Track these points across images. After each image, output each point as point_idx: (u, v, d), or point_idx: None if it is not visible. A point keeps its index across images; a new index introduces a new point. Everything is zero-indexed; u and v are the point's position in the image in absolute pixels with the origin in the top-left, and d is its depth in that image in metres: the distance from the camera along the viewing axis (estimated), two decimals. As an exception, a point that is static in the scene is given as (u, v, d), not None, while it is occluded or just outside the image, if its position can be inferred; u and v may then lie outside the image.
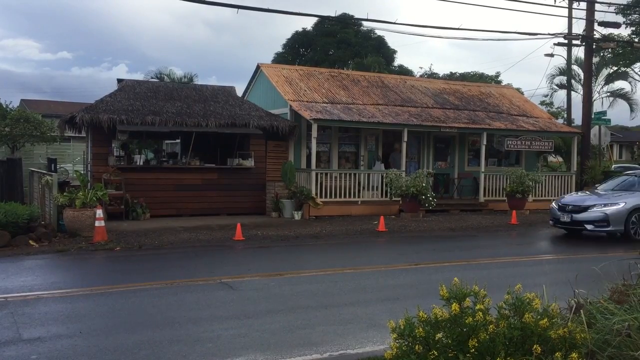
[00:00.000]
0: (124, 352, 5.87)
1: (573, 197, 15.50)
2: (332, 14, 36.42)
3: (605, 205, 14.14)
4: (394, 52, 45.11)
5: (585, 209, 14.28)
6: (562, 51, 31.63)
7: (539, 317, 3.80)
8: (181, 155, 19.98)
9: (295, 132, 18.87)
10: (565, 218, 14.48)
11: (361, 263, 11.10)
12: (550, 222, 15.36)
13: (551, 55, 31.81)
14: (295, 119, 19.14)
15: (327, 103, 19.88)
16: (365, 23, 38.04)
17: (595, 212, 14.07)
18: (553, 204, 15.48)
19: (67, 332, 6.54)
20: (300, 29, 45.26)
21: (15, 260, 11.09)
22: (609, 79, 33.56)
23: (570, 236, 15.00)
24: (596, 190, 16.07)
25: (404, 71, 42.03)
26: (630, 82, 34.70)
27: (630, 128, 59.83)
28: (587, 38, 22.90)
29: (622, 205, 14.06)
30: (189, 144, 18.06)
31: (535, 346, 3.64)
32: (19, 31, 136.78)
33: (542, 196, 21.10)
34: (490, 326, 3.75)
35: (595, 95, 31.48)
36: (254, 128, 17.88)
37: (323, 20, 39.64)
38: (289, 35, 46.53)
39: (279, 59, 43.21)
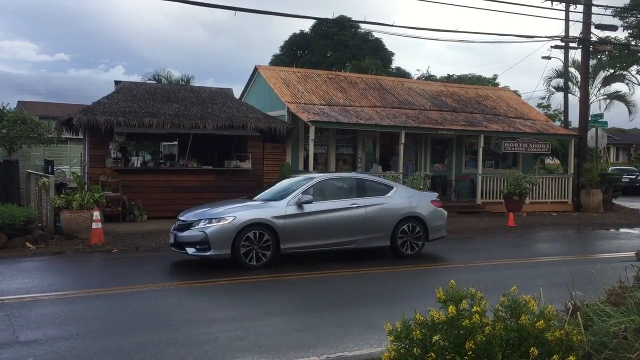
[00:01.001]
0: (121, 355, 5.87)
1: (195, 210, 11.27)
2: (330, 16, 36.53)
3: (209, 221, 10.37)
4: (392, 54, 45.20)
5: (189, 226, 10.54)
6: (559, 54, 31.74)
7: (535, 319, 3.81)
8: (178, 157, 19.97)
9: (292, 134, 18.88)
10: (171, 238, 10.90)
11: (359, 265, 11.09)
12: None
13: (548, 57, 31.87)
14: (293, 121, 19.15)
15: (324, 105, 19.90)
16: (362, 25, 38.20)
17: (195, 231, 10.33)
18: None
19: (64, 335, 6.53)
20: (297, 31, 45.29)
21: (12, 262, 11.07)
22: (606, 82, 33.71)
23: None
24: (251, 198, 11.78)
25: (401, 73, 42.08)
26: (627, 84, 34.90)
27: (626, 130, 60.03)
28: (584, 41, 22.95)
29: (229, 220, 10.28)
30: (187, 146, 18.04)
31: (532, 348, 3.64)
32: (16, 33, 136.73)
33: (539, 198, 21.35)
34: (487, 328, 3.75)
35: (592, 98, 31.60)
36: (251, 130, 17.87)
37: (321, 22, 39.71)
38: (286, 38, 46.64)
39: (277, 61, 43.22)
